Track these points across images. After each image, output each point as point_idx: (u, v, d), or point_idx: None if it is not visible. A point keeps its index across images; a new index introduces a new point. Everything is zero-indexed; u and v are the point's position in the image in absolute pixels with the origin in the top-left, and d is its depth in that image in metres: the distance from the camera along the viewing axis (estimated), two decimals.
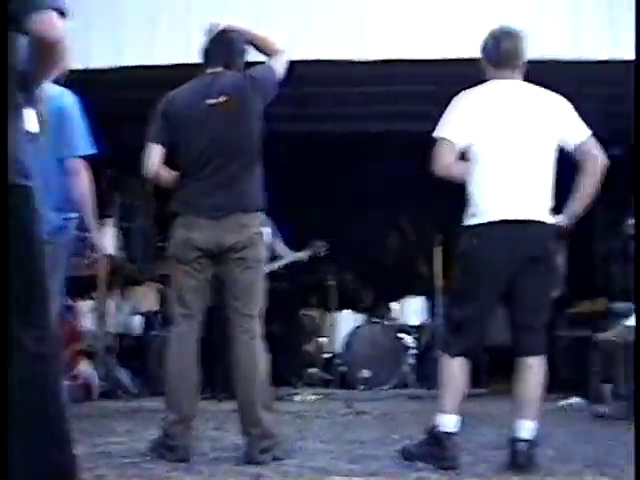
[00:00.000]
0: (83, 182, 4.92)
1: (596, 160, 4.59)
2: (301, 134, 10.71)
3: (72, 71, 5.72)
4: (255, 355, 4.71)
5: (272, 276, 7.95)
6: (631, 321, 6.52)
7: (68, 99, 4.91)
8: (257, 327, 4.77)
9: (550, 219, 4.57)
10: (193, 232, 4.73)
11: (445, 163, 4.56)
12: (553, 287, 4.84)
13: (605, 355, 7.79)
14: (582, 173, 4.59)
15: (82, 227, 5.04)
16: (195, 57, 5.10)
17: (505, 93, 4.68)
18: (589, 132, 4.65)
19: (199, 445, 5.08)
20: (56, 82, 4.88)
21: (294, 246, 8.65)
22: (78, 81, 5.23)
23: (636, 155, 5.81)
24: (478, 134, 4.58)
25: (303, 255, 8.53)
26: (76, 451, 2.83)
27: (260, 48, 5.05)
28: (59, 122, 4.77)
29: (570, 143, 4.61)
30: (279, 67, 4.97)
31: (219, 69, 4.88)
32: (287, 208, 10.30)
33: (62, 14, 2.62)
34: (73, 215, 4.91)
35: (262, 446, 4.63)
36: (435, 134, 4.64)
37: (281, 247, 8.55)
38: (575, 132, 4.64)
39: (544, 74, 5.14)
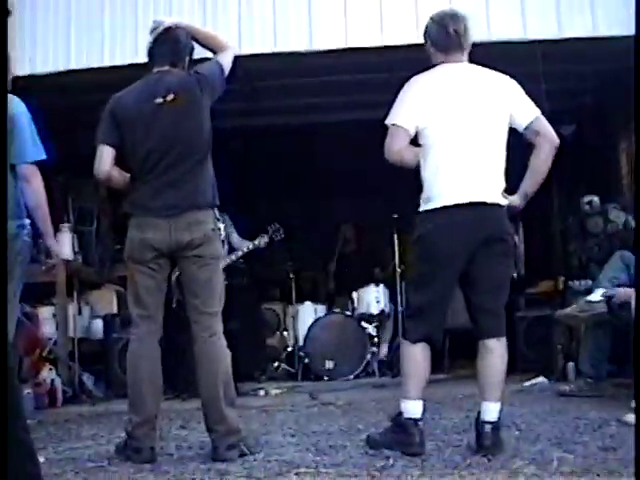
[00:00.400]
0: (35, 188, 4.86)
1: (547, 139, 4.61)
2: (255, 128, 10.69)
3: (18, 77, 5.67)
4: (216, 352, 4.70)
5: (232, 271, 7.96)
6: (593, 296, 6.55)
7: (17, 106, 4.84)
8: (217, 324, 4.75)
9: (504, 200, 4.59)
10: (147, 232, 4.69)
11: (397, 149, 4.56)
12: (511, 269, 4.86)
13: (568, 332, 7.87)
14: (534, 153, 4.61)
15: (36, 233, 4.99)
16: (143, 57, 5.06)
17: (455, 76, 4.67)
18: (539, 112, 4.67)
19: (165, 445, 5.08)
20: None
21: (250, 238, 8.59)
22: (25, 87, 5.17)
23: (637, 155, 5.84)
24: (430, 118, 4.57)
25: (260, 242, 8.47)
26: (42, 458, 2.82)
27: (206, 45, 5.03)
28: (9, 129, 4.71)
29: (521, 123, 4.62)
30: (226, 63, 4.93)
31: (166, 68, 4.84)
32: (244, 202, 10.33)
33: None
34: (27, 222, 4.86)
35: (228, 442, 4.62)
36: (387, 121, 4.63)
37: (237, 239, 8.50)
38: (525, 112, 4.65)
39: (493, 55, 5.17)
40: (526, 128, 4.61)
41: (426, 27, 4.83)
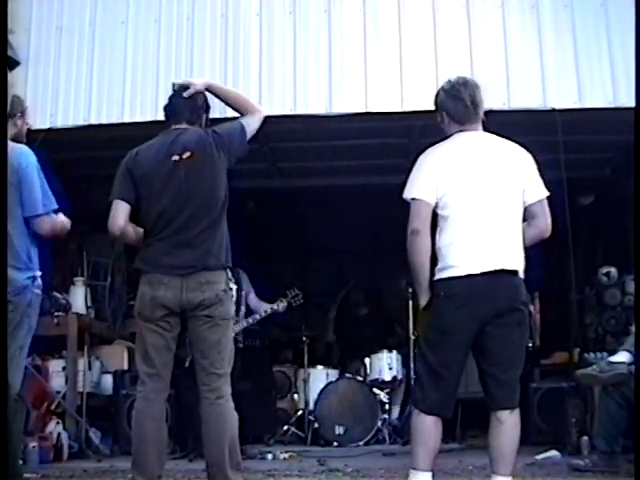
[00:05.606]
0: (56, 232, 4.87)
1: (539, 227, 4.66)
2: (272, 189, 10.67)
3: (38, 130, 5.67)
4: (223, 415, 4.62)
5: (244, 332, 7.90)
6: (616, 357, 6.45)
7: (26, 157, 4.82)
8: (225, 386, 4.68)
9: (521, 267, 4.54)
10: (159, 290, 4.65)
11: (415, 226, 4.51)
12: (525, 338, 4.77)
13: (582, 405, 7.73)
14: (528, 229, 4.63)
15: (46, 286, 4.96)
16: (162, 114, 5.05)
17: (471, 146, 4.67)
18: (545, 194, 4.69)
19: None
20: (14, 140, 4.82)
21: (268, 299, 8.51)
22: (45, 140, 5.16)
23: (636, 168, 5.80)
24: (447, 189, 4.54)
25: (279, 306, 8.41)
26: None
27: (235, 107, 5.04)
28: (18, 180, 4.70)
29: (526, 200, 4.63)
30: (250, 125, 4.94)
31: (183, 125, 4.85)
32: (259, 263, 10.28)
33: (11, 63, 2.56)
34: (37, 274, 4.83)
35: None
36: (405, 195, 4.59)
37: (255, 300, 8.44)
38: (534, 191, 4.66)
39: (512, 124, 5.14)
40: (529, 205, 4.63)
41: (439, 98, 4.81)
